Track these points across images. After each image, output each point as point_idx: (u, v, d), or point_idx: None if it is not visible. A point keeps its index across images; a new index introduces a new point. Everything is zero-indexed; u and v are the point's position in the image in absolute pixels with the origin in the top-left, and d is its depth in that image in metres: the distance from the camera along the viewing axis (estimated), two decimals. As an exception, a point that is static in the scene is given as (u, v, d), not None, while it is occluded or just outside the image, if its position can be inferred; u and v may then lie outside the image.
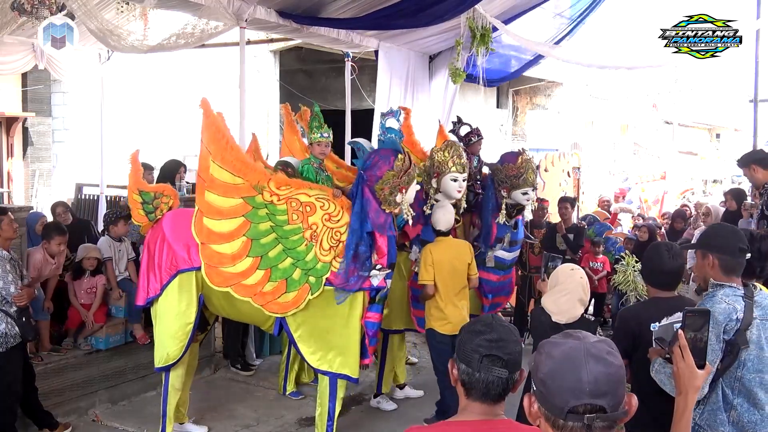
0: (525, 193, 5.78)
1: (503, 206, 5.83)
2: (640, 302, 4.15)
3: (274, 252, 4.37)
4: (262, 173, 4.46)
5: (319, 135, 5.05)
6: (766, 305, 2.64)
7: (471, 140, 6.41)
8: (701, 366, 1.89)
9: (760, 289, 2.71)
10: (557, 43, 8.53)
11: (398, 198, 4.43)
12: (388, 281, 4.62)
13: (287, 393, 5.89)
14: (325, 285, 4.37)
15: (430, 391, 5.89)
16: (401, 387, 5.98)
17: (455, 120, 6.62)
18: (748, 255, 2.75)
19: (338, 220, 4.40)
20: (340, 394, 4.57)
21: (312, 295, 4.36)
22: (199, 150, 4.45)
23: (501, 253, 5.96)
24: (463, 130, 6.49)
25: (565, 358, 1.46)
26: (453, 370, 1.83)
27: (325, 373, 4.54)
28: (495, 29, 7.73)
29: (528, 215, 6.56)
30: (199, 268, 4.48)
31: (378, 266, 4.39)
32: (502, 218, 5.84)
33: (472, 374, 1.77)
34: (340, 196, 4.50)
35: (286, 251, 4.36)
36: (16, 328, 4.46)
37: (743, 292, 2.66)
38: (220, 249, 4.38)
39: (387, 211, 4.43)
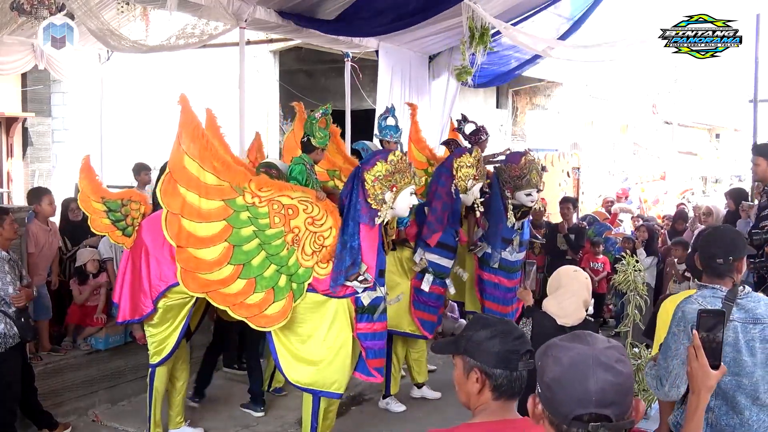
0: (528, 194, 5.71)
1: (509, 207, 5.77)
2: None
3: (257, 260, 4.19)
4: (243, 174, 4.28)
5: (324, 142, 4.86)
6: (750, 308, 2.58)
7: (481, 138, 6.39)
8: (715, 366, 1.88)
9: (749, 293, 2.64)
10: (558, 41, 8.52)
11: (387, 196, 4.24)
12: (382, 289, 4.43)
13: (270, 390, 5.80)
14: (307, 291, 4.22)
15: (444, 393, 5.88)
16: (419, 386, 5.91)
17: (459, 118, 6.61)
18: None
19: (321, 224, 4.22)
20: (323, 405, 4.40)
21: (295, 302, 4.22)
22: (173, 147, 4.27)
23: (506, 255, 5.92)
24: (468, 128, 6.48)
25: (573, 365, 1.42)
26: (479, 379, 1.84)
27: (305, 390, 4.38)
28: (496, 33, 7.74)
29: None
30: None
31: (360, 277, 4.21)
32: (510, 221, 5.76)
33: (511, 375, 1.83)
34: (324, 198, 4.33)
35: (270, 257, 4.19)
36: (15, 329, 4.46)
37: (725, 294, 2.62)
38: (198, 254, 4.22)
39: (373, 206, 4.25)
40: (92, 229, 4.65)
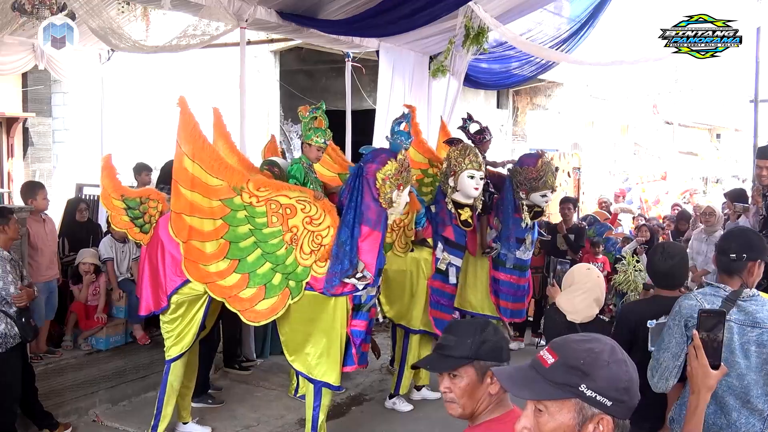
0: (544, 196, 5.79)
1: (524, 208, 5.82)
2: (643, 299, 4.18)
3: (252, 257, 4.27)
4: (241, 174, 4.35)
5: (322, 141, 4.81)
6: (751, 311, 2.57)
7: (484, 138, 6.42)
8: (716, 366, 1.89)
9: (755, 296, 2.62)
10: (558, 46, 8.55)
11: (394, 195, 4.32)
12: (372, 289, 4.47)
13: (297, 395, 5.77)
14: (305, 290, 4.28)
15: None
16: (418, 388, 5.93)
17: (465, 117, 6.61)
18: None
19: (319, 223, 4.27)
20: (325, 401, 4.48)
21: (292, 300, 4.28)
22: (175, 150, 4.36)
23: (519, 254, 5.97)
24: (473, 128, 6.50)
25: (629, 359, 1.44)
26: (494, 378, 1.90)
27: (309, 379, 4.47)
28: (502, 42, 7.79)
29: None
30: None
31: (359, 274, 4.25)
32: (525, 220, 5.82)
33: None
34: (322, 198, 4.37)
35: (265, 255, 4.27)
36: (16, 329, 4.47)
37: (727, 294, 2.62)
38: (199, 246, 4.32)
39: (383, 206, 4.32)
40: (112, 226, 4.83)
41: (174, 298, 4.51)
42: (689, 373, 1.94)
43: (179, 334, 4.61)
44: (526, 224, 5.87)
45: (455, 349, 1.93)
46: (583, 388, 1.37)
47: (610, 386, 1.37)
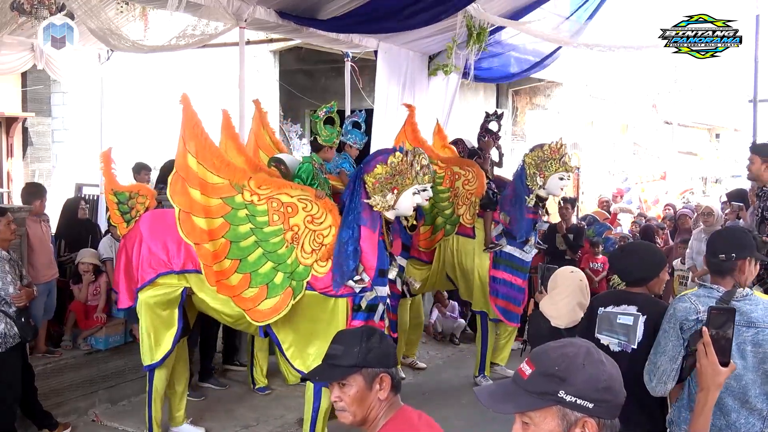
0: (562, 178, 5.78)
1: (534, 190, 5.77)
2: (610, 291, 4.22)
3: (253, 256, 4.25)
4: (243, 171, 4.35)
5: (337, 138, 4.89)
6: (745, 311, 2.56)
7: (493, 139, 6.52)
8: (725, 363, 1.89)
9: (749, 295, 2.62)
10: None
11: (388, 197, 4.21)
12: (380, 289, 4.39)
13: (255, 388, 5.90)
14: (306, 289, 4.25)
15: (430, 393, 5.88)
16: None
17: (493, 112, 6.66)
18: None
19: (321, 222, 4.26)
20: (325, 403, 4.39)
21: (294, 299, 4.25)
22: (178, 147, 4.33)
23: (522, 254, 5.96)
24: (493, 126, 6.56)
25: (606, 358, 1.44)
26: (385, 384, 2.01)
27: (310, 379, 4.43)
28: (496, 30, 7.75)
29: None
30: (178, 272, 4.41)
31: (357, 277, 4.21)
32: (531, 201, 5.77)
33: (395, 373, 2.06)
34: (324, 197, 4.37)
35: (266, 255, 4.24)
36: (15, 329, 4.47)
37: (721, 295, 2.62)
38: (209, 247, 4.27)
39: (375, 209, 4.25)
40: (111, 222, 4.91)
41: (151, 293, 4.45)
42: (699, 370, 1.94)
43: (157, 337, 4.53)
44: (533, 203, 5.76)
45: (343, 359, 2.01)
46: (561, 393, 1.37)
47: (589, 388, 1.37)
